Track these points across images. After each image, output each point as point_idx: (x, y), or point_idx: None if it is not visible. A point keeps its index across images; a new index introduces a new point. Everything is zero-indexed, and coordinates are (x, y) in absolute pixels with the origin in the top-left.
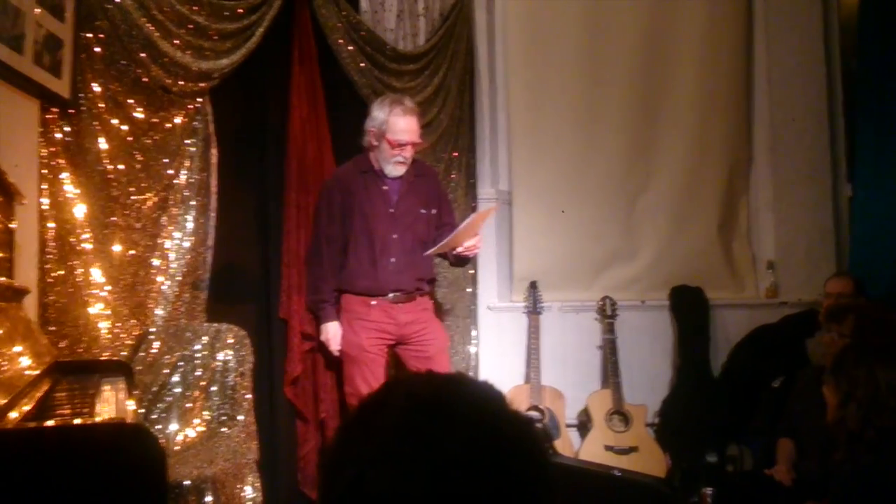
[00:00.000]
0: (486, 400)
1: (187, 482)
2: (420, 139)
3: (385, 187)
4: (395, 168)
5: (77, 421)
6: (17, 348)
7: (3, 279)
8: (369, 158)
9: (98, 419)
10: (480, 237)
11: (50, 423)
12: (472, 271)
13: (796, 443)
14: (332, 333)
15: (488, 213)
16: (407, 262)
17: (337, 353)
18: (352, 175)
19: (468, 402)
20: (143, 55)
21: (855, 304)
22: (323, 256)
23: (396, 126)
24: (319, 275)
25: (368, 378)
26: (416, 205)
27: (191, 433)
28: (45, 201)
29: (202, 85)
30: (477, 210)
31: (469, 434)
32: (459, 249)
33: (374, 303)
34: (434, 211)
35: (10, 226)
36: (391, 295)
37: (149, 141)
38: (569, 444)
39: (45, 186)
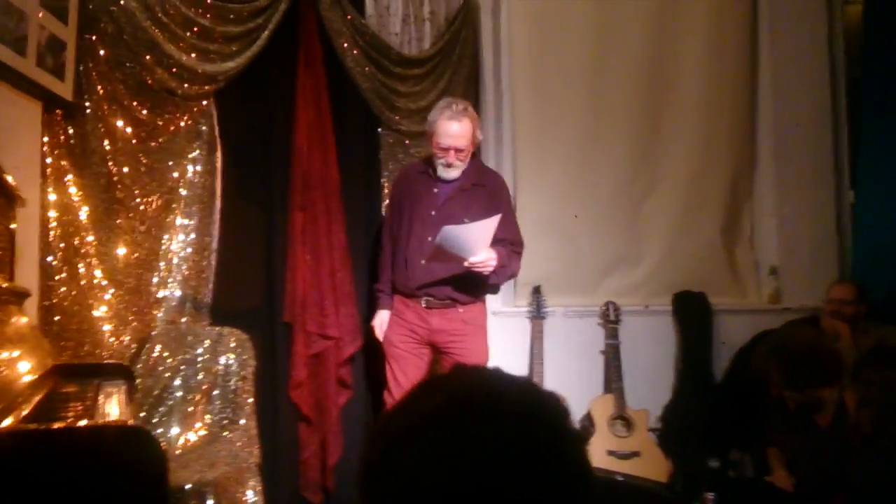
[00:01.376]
0: (539, 412)
1: (188, 486)
2: (466, 145)
3: (435, 189)
4: (444, 171)
5: (78, 424)
6: (17, 351)
7: (2, 282)
8: (431, 159)
9: (99, 422)
10: (493, 256)
11: (50, 425)
12: None
13: (786, 459)
14: (378, 321)
15: (490, 226)
16: (440, 268)
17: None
18: (413, 173)
19: (518, 409)
20: (147, 57)
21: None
22: (384, 247)
23: (441, 129)
24: (380, 264)
25: (397, 373)
26: (460, 212)
27: (192, 437)
28: (49, 203)
29: (207, 88)
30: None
31: (503, 441)
32: (466, 264)
33: (410, 304)
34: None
35: (11, 227)
36: (423, 301)
37: (153, 143)
38: None
39: (48, 188)
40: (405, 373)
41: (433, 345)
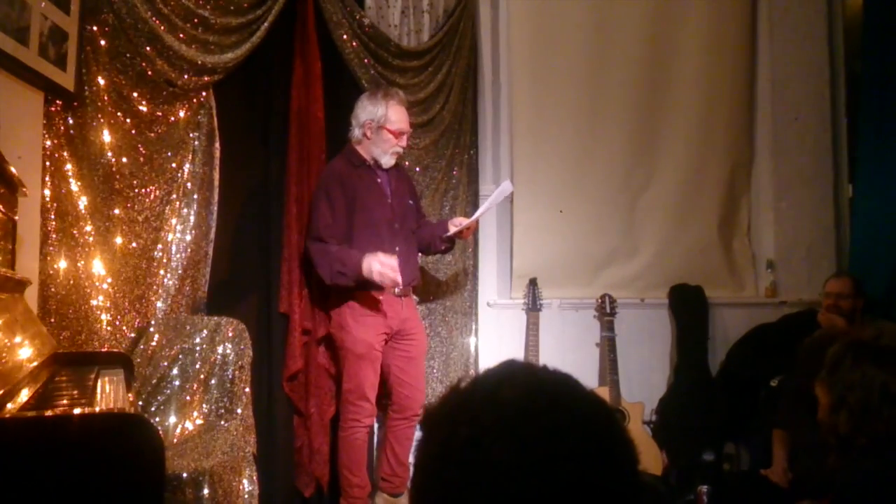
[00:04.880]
0: (602, 406)
1: (185, 474)
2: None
3: (379, 179)
4: (391, 159)
5: (77, 411)
6: (18, 339)
7: (4, 270)
8: (359, 152)
9: (97, 410)
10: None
11: (49, 412)
12: (471, 267)
13: (792, 445)
14: (381, 261)
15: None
16: (408, 252)
17: (398, 279)
18: (347, 169)
19: (588, 401)
20: (147, 49)
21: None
22: (328, 244)
23: (395, 116)
24: (333, 252)
25: (371, 376)
26: (405, 197)
27: (189, 426)
28: (49, 193)
29: (206, 79)
30: (499, 187)
31: (587, 431)
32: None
33: (381, 297)
34: (414, 203)
35: (13, 217)
36: (396, 288)
37: (152, 134)
38: None
39: (48, 178)
40: (378, 375)
41: (397, 334)
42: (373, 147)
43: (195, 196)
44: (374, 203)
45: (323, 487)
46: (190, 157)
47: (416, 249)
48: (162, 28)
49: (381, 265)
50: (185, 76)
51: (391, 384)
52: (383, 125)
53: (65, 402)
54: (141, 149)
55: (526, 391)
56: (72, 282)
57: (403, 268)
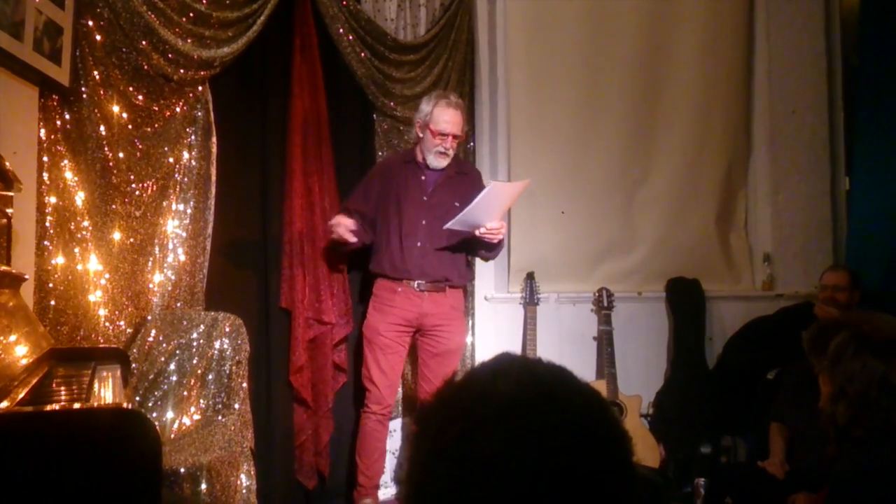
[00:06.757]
0: (597, 399)
1: (182, 469)
2: (461, 134)
3: (423, 177)
4: (436, 159)
5: (74, 406)
6: (14, 335)
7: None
8: (415, 150)
9: (94, 405)
10: (504, 224)
11: (46, 408)
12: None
13: (789, 437)
14: (336, 220)
15: (519, 189)
16: (434, 250)
17: (348, 236)
18: (396, 163)
19: (583, 395)
20: (143, 43)
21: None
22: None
23: (440, 117)
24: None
25: (381, 363)
26: (451, 197)
27: (186, 421)
28: (45, 188)
29: (203, 73)
30: (496, 181)
31: (581, 424)
32: (482, 231)
33: (399, 289)
34: (462, 206)
35: (8, 212)
36: (416, 283)
37: (149, 129)
38: None
39: (44, 173)
40: (389, 363)
41: (420, 329)
42: (423, 145)
43: (192, 191)
44: (407, 198)
45: (325, 479)
46: (186, 152)
47: (447, 249)
48: (157, 22)
49: (334, 224)
50: (182, 70)
51: (417, 379)
52: (427, 123)
53: (61, 397)
54: (137, 143)
55: (519, 384)
56: (69, 277)
57: (423, 263)
